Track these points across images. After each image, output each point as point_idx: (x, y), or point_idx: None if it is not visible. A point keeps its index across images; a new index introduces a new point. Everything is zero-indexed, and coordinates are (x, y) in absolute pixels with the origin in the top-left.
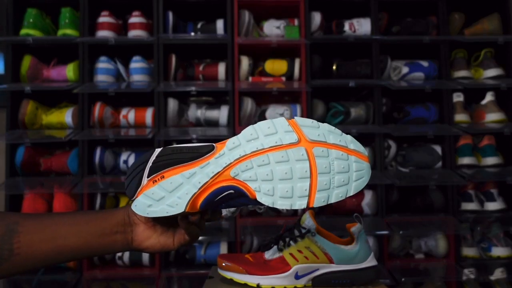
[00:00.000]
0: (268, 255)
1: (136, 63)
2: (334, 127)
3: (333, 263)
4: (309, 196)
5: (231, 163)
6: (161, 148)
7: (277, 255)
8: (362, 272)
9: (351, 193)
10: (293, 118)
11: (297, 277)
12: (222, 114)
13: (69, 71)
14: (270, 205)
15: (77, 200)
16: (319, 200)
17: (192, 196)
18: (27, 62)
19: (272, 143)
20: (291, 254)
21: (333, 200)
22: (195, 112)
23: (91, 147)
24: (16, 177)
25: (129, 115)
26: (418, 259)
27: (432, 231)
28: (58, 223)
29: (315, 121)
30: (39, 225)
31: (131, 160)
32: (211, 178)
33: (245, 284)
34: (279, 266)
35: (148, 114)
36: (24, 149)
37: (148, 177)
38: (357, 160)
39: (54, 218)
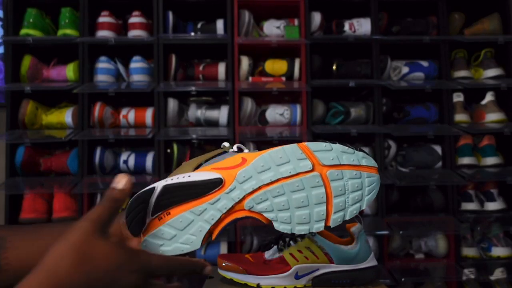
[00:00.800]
0: (268, 255)
1: (136, 63)
2: (346, 147)
3: (333, 263)
4: (326, 218)
5: (244, 196)
6: (161, 187)
7: (277, 255)
8: (362, 272)
9: (364, 207)
10: (305, 143)
11: (297, 277)
12: (222, 114)
13: (69, 71)
14: (288, 232)
15: (77, 200)
16: (335, 221)
17: (207, 232)
18: (27, 62)
19: (286, 173)
20: (291, 254)
21: (348, 217)
22: (195, 112)
23: (91, 147)
24: (16, 177)
25: (129, 115)
26: (418, 259)
27: (432, 231)
28: (47, 237)
29: (327, 144)
30: (28, 240)
31: (131, 160)
32: (224, 214)
33: (245, 284)
34: (279, 266)
35: (148, 114)
36: (24, 149)
37: (152, 215)
38: (369, 175)
39: (44, 231)
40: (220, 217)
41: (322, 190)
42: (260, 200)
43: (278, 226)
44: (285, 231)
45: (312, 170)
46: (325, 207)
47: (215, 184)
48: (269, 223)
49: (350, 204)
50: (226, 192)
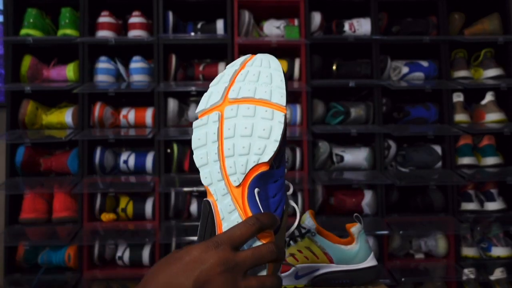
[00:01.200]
0: None
1: (136, 63)
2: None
3: (333, 263)
4: (280, 107)
5: (222, 171)
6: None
7: None
8: (362, 272)
9: (283, 80)
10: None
11: (297, 277)
12: None
13: (69, 71)
14: (276, 147)
15: (77, 200)
16: (278, 98)
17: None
18: (27, 62)
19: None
20: (291, 254)
21: (283, 95)
22: (195, 112)
23: (91, 147)
24: (16, 177)
25: (129, 115)
26: (418, 259)
27: (432, 231)
28: None
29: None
30: None
31: (131, 160)
32: (236, 206)
33: None
34: None
35: (148, 114)
36: (24, 149)
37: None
38: (255, 63)
39: None
40: (236, 207)
41: (246, 108)
42: (228, 149)
43: (264, 158)
44: (276, 149)
45: (220, 116)
46: (263, 107)
47: (208, 207)
48: (270, 165)
49: (272, 88)
50: (217, 200)
